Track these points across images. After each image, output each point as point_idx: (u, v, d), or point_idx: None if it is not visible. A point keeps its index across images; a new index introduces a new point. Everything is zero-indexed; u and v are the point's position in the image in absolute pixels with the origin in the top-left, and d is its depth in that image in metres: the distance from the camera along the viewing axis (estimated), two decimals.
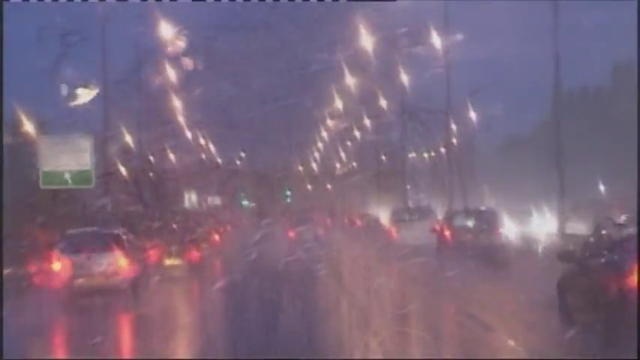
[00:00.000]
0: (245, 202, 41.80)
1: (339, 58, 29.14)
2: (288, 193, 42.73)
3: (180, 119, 32.29)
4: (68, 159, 30.04)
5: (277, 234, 38.83)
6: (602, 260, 14.34)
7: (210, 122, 33.81)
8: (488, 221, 30.50)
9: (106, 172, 30.32)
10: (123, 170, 30.76)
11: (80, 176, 30.09)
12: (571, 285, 15.24)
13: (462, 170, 36.27)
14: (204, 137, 34.20)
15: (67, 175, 29.82)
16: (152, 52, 31.39)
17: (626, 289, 13.14)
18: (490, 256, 26.97)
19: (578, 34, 33.69)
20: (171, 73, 30.65)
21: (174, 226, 29.12)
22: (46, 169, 30.19)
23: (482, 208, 33.99)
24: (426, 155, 38.83)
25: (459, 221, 31.08)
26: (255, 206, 41.98)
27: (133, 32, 30.95)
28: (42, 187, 30.05)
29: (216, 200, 39.66)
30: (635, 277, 13.03)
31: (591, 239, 15.65)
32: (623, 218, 15.16)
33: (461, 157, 36.75)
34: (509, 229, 33.52)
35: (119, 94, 32.04)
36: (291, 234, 41.20)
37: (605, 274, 13.90)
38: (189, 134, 32.76)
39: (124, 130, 31.64)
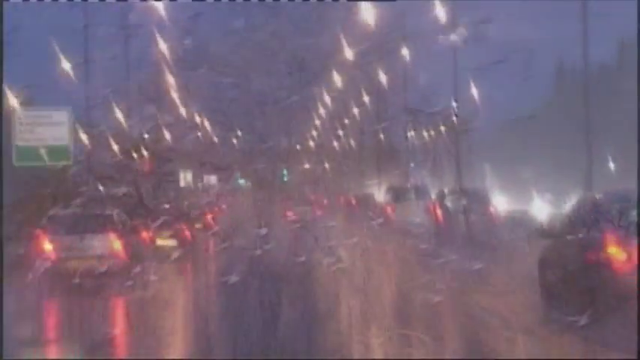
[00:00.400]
0: (241, 181, 41.80)
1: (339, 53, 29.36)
2: (285, 172, 42.76)
3: (178, 103, 32.31)
4: (43, 133, 28.96)
5: (275, 214, 38.96)
6: (580, 235, 14.79)
7: (210, 124, 33.96)
8: (479, 200, 30.81)
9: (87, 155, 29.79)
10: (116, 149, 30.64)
11: (56, 152, 29.07)
12: (550, 260, 15.68)
13: (462, 149, 36.22)
14: (200, 116, 34.25)
15: (42, 151, 28.72)
16: (150, 54, 31.36)
17: (600, 262, 13.73)
18: (481, 235, 27.53)
19: (580, 11, 33.23)
20: (170, 74, 30.93)
21: (167, 206, 29.09)
22: (19, 143, 29.08)
23: (476, 187, 34.05)
24: (425, 134, 38.73)
25: (449, 200, 31.41)
26: (251, 185, 41.99)
27: (130, 33, 31.24)
28: (15, 164, 29.17)
29: (212, 179, 39.62)
30: (608, 251, 13.51)
31: (572, 215, 16.21)
32: (599, 196, 15.82)
33: (463, 136, 36.68)
34: (542, 210, 33.59)
35: (117, 94, 32.36)
36: (289, 214, 41.42)
37: (581, 249, 14.37)
38: (183, 111, 32.75)
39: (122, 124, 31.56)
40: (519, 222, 30.15)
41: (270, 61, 31.76)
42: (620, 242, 13.54)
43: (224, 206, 38.24)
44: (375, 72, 32.20)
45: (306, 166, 40.98)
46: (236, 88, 33.28)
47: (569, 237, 15.18)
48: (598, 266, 13.69)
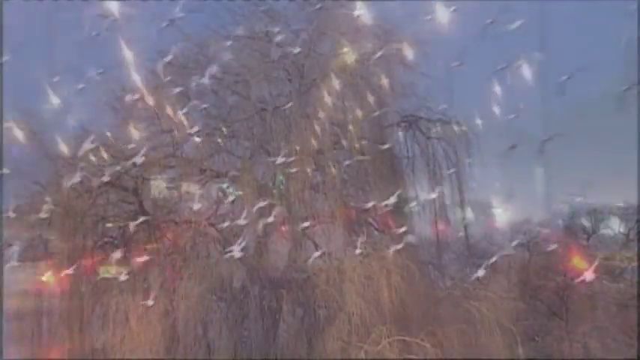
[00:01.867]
0: (230, 191, 39.31)
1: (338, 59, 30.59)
2: (282, 182, 40.86)
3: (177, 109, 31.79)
4: None
5: (266, 229, 36.42)
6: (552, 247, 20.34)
7: (210, 131, 33.54)
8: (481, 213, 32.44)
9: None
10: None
11: None
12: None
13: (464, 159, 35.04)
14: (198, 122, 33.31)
15: None
16: (148, 59, 31.22)
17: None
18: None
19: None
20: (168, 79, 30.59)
21: (118, 225, 25.91)
22: None
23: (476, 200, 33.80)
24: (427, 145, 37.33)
25: (451, 214, 32.56)
26: (242, 196, 39.46)
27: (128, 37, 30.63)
28: None
29: (191, 187, 36.76)
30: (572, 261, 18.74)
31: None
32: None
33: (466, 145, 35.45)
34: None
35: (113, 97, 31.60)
36: (283, 229, 39.14)
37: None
38: (182, 117, 31.89)
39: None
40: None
41: (269, 67, 32.24)
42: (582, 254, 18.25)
43: (203, 220, 35.28)
44: (375, 78, 32.50)
45: (304, 175, 39.31)
46: (236, 95, 33.26)
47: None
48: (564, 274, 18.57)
